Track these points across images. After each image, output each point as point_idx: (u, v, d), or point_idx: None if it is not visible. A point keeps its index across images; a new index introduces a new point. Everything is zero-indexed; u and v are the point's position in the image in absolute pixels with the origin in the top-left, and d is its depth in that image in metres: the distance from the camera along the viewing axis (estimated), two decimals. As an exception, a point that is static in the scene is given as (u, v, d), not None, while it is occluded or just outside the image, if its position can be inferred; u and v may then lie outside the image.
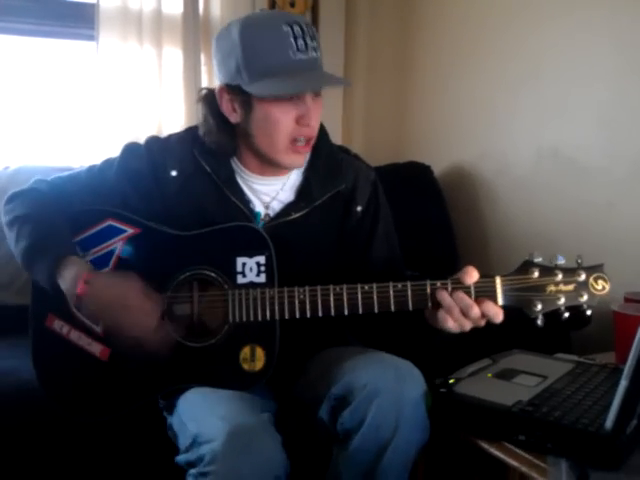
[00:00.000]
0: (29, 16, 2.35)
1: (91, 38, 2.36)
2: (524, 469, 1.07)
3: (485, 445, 1.15)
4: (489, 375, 1.31)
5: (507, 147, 2.24)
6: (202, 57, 2.51)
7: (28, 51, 2.49)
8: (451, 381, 1.26)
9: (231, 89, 1.29)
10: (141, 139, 1.45)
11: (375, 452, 1.16)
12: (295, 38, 1.23)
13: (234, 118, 1.32)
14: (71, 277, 1.23)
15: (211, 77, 2.52)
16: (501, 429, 1.13)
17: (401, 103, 2.75)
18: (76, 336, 1.31)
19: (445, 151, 2.52)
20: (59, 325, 1.32)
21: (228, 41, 1.27)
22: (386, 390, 1.15)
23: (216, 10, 2.52)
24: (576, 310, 1.16)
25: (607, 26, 1.85)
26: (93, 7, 2.32)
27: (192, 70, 2.47)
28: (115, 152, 1.45)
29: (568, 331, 1.89)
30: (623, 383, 1.02)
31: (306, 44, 1.25)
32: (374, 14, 2.76)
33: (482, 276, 1.18)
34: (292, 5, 2.63)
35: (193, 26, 2.46)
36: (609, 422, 1.02)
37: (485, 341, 1.28)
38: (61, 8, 2.40)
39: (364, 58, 2.77)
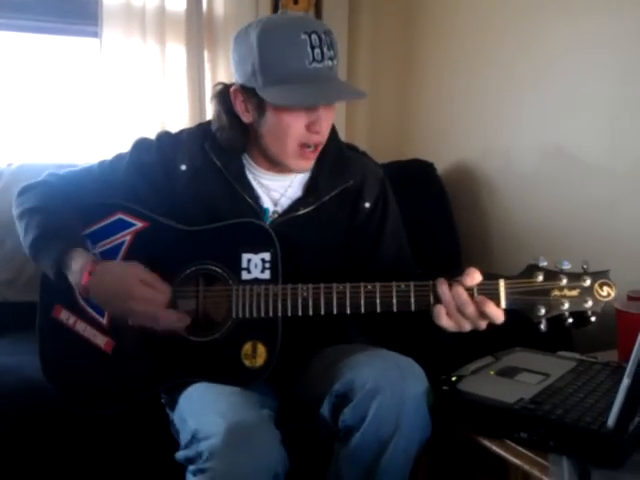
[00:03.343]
0: (32, 13, 2.35)
1: (94, 35, 2.36)
2: (526, 467, 1.07)
3: (487, 443, 1.15)
4: (491, 373, 1.31)
5: (510, 145, 2.23)
6: (205, 54, 2.51)
7: (31, 48, 2.49)
8: (453, 378, 1.26)
9: (245, 91, 1.30)
10: (144, 136, 1.45)
11: (376, 449, 1.16)
12: (312, 47, 1.23)
13: (246, 118, 1.33)
14: (77, 269, 1.24)
15: (214, 74, 2.52)
16: (503, 427, 1.13)
17: (404, 100, 2.75)
18: (82, 327, 1.33)
19: (448, 149, 2.52)
20: (66, 316, 1.35)
21: (246, 43, 1.27)
22: (387, 387, 1.15)
23: (219, 7, 2.52)
24: (580, 316, 1.15)
25: (612, 25, 1.84)
26: (96, 3, 2.32)
27: (195, 67, 2.48)
28: (118, 149, 1.46)
29: (570, 329, 1.88)
30: (625, 381, 1.02)
31: (322, 54, 1.24)
32: (377, 11, 2.76)
33: (486, 278, 1.17)
34: (295, 2, 2.63)
35: (196, 23, 2.46)
36: (611, 420, 1.02)
37: (487, 339, 1.27)
38: (64, 4, 2.40)
39: (367, 55, 2.77)
